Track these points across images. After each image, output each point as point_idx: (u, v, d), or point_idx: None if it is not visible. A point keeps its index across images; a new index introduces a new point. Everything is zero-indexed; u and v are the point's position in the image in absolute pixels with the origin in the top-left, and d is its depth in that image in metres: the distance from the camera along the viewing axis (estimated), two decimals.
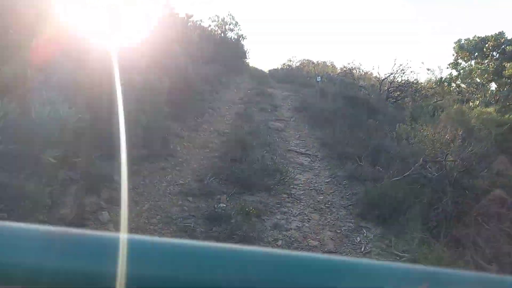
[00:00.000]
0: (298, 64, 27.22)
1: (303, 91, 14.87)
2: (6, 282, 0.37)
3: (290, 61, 26.36)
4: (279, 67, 27.76)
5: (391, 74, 11.28)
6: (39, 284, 0.37)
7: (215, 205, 3.80)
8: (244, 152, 5.39)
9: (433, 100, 10.76)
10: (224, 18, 20.42)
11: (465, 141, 4.60)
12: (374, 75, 15.21)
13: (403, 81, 11.45)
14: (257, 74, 21.41)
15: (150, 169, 4.37)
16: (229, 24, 20.80)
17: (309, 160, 5.70)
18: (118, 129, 2.31)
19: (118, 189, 3.45)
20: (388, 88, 11.56)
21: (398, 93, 10.95)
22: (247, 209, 3.71)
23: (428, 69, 10.39)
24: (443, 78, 10.31)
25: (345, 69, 23.77)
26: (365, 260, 0.41)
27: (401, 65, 11.09)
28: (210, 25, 17.03)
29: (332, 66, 28.01)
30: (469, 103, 9.70)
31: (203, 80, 10.96)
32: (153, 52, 6.43)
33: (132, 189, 3.80)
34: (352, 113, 8.28)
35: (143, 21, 7.28)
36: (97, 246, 0.39)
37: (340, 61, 38.89)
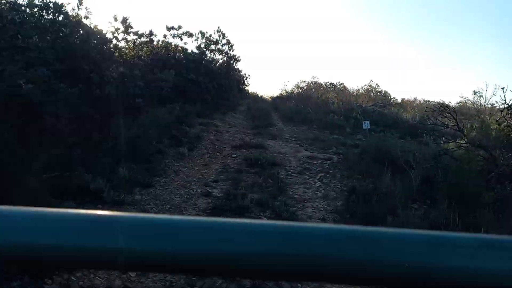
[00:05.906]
0: (304, 87, 21.07)
1: (332, 143, 8.65)
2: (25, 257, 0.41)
3: (301, 88, 20.26)
4: (285, 92, 21.60)
5: None
6: (47, 259, 0.42)
7: None
8: None
9: None
10: (211, 35, 14.55)
11: None
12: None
13: None
14: (256, 108, 15.23)
15: None
16: (215, 43, 14.88)
17: None
18: None
19: None
20: None
21: None
22: None
23: None
24: None
25: (380, 96, 17.62)
26: (364, 228, 0.40)
27: None
28: (166, 37, 10.60)
29: (344, 89, 22.14)
30: None
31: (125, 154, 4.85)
32: None
33: None
34: None
35: None
36: (98, 224, 0.42)
37: (351, 82, 32.50)
